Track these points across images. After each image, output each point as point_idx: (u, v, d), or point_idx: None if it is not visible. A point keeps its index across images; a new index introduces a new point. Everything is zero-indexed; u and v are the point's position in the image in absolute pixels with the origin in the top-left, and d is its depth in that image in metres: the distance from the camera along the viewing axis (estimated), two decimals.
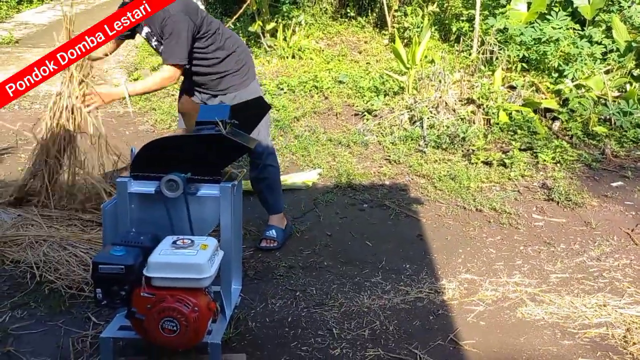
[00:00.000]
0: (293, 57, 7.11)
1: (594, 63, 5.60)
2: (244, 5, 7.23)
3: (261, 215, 3.52)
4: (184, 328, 1.93)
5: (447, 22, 7.53)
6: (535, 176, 4.14)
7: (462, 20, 7.25)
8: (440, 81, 5.18)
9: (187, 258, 1.95)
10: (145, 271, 1.95)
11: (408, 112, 5.13)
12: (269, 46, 7.29)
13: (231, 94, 3.00)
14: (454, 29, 7.18)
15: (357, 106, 5.57)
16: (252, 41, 7.55)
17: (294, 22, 7.51)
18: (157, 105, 5.81)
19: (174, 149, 2.19)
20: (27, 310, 2.55)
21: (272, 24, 7.36)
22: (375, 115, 5.24)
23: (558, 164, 4.27)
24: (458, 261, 3.08)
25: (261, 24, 7.30)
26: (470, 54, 6.38)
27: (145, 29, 2.96)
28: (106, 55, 3.25)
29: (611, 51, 5.83)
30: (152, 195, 2.15)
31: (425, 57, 6.13)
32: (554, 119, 5.16)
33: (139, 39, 3.25)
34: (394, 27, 7.78)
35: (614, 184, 4.04)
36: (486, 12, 6.73)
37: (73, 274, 2.72)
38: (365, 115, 5.30)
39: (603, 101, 5.19)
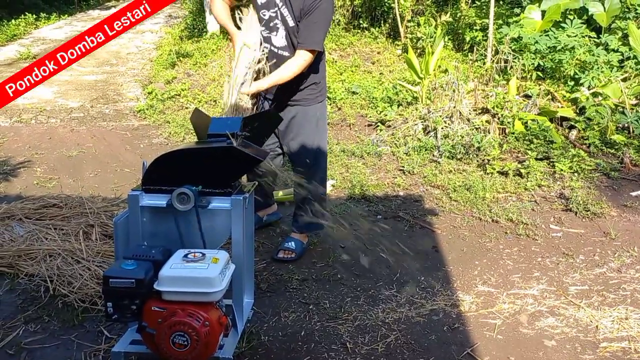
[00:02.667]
0: None
1: (611, 71, 5.53)
2: None
3: (274, 227, 3.51)
4: (194, 342, 1.91)
5: (460, 31, 7.50)
6: (552, 186, 4.07)
7: (476, 30, 7.22)
8: (454, 91, 5.14)
9: (198, 272, 1.93)
10: (156, 285, 1.93)
11: (422, 122, 5.09)
12: None
13: (306, 107, 2.91)
14: (467, 39, 7.15)
15: (370, 117, 5.55)
16: None
17: None
18: (172, 118, 5.84)
19: (185, 161, 2.18)
20: (41, 324, 2.54)
21: None
22: (389, 126, 5.21)
23: (575, 174, 4.20)
24: (474, 273, 3.03)
25: None
26: (484, 64, 6.34)
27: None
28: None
29: (628, 58, 5.76)
30: (164, 208, 2.14)
31: (439, 67, 6.09)
32: (571, 127, 5.10)
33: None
34: (407, 37, 7.77)
35: (634, 194, 3.96)
36: (500, 22, 6.70)
37: (86, 288, 2.71)
38: (378, 125, 5.27)
39: (621, 109, 5.11)
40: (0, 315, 2.60)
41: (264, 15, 2.79)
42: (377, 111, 5.58)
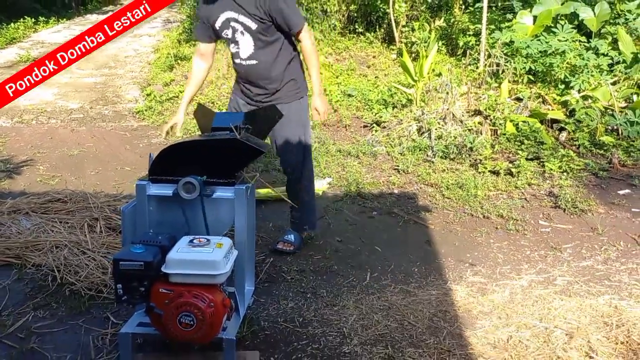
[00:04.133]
0: None
1: (601, 74, 5.69)
2: None
3: (272, 222, 3.62)
4: (200, 322, 2.01)
5: (454, 36, 7.65)
6: (542, 184, 4.20)
7: (469, 35, 7.37)
8: (447, 93, 5.28)
9: (203, 255, 2.04)
10: (163, 268, 2.04)
11: (416, 123, 5.22)
12: None
13: (286, 104, 2.95)
14: (460, 44, 7.30)
15: (365, 118, 5.68)
16: None
17: None
18: (170, 119, 5.93)
19: (190, 153, 2.29)
20: (49, 310, 2.64)
21: None
22: (384, 127, 5.34)
23: (565, 173, 4.33)
24: (465, 265, 3.14)
25: None
26: (477, 67, 6.48)
27: (227, 14, 2.83)
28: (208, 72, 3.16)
29: (617, 63, 5.91)
30: (170, 197, 2.25)
31: (433, 70, 6.24)
32: (561, 129, 5.24)
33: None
34: (401, 42, 7.91)
35: (621, 192, 4.09)
36: (492, 27, 6.85)
37: (92, 277, 2.81)
38: (374, 127, 5.40)
39: (610, 112, 5.26)
40: (9, 302, 2.69)
41: (227, 35, 2.91)
42: (372, 113, 5.71)
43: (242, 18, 2.83)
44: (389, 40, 8.37)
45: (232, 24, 2.86)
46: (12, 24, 10.81)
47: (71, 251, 2.99)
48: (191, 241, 2.11)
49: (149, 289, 2.06)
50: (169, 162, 2.28)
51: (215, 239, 2.15)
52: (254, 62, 2.92)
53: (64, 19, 12.67)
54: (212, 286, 2.08)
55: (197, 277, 2.03)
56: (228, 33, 2.90)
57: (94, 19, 13.04)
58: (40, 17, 11.76)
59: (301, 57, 3.05)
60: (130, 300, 2.08)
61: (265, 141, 2.59)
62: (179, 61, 8.10)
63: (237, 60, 2.98)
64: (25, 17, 11.15)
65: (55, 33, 11.27)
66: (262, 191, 3.83)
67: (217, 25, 2.90)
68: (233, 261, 2.15)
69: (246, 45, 2.90)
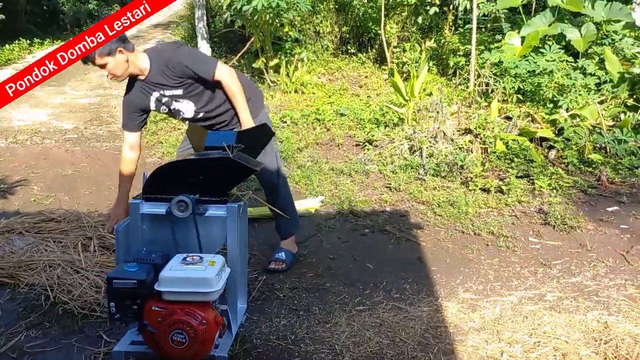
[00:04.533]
0: (296, 91, 7.33)
1: (588, 93, 5.79)
2: (248, 44, 7.49)
3: (265, 240, 3.65)
4: (192, 340, 2.03)
5: (444, 57, 7.77)
6: (531, 202, 4.26)
7: (459, 55, 7.49)
8: (437, 112, 5.35)
9: (196, 273, 2.06)
10: (156, 286, 2.06)
11: (408, 142, 5.28)
12: (272, 81, 7.52)
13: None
14: (451, 64, 7.41)
15: (358, 137, 5.74)
16: (256, 77, 7.80)
17: (297, 59, 7.76)
18: (164, 139, 5.99)
19: (183, 171, 2.33)
20: (42, 329, 2.65)
21: (275, 61, 7.61)
22: (376, 146, 5.40)
23: (554, 190, 4.39)
24: (457, 282, 3.17)
25: (264, 60, 7.55)
26: (467, 87, 6.58)
27: (153, 97, 2.97)
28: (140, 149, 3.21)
29: (605, 82, 6.02)
30: (163, 215, 2.28)
31: (424, 90, 6.33)
32: (550, 147, 5.31)
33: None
34: (393, 62, 8.02)
35: (610, 209, 4.15)
36: (482, 47, 6.97)
37: (85, 296, 2.83)
38: (366, 145, 5.46)
39: (598, 130, 5.34)
40: (2, 322, 2.70)
41: (165, 110, 3.04)
42: (364, 132, 5.77)
43: (167, 92, 2.96)
44: (380, 60, 8.48)
45: (164, 100, 2.98)
46: (7, 46, 10.87)
47: (64, 270, 3.00)
48: (184, 259, 2.14)
49: (142, 307, 2.08)
50: (163, 181, 2.31)
51: (208, 256, 2.18)
52: (201, 114, 3.05)
53: (59, 40, 12.73)
54: (205, 304, 2.10)
55: (189, 294, 2.06)
56: (164, 109, 3.03)
57: None
58: (35, 39, 11.83)
59: (243, 86, 3.12)
60: (123, 319, 2.10)
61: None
62: None
63: (188, 122, 3.12)
64: (21, 38, 11.22)
65: None
66: (256, 210, 3.87)
67: (152, 107, 3.03)
68: (225, 279, 2.18)
69: (186, 108, 3.03)
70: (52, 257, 3.12)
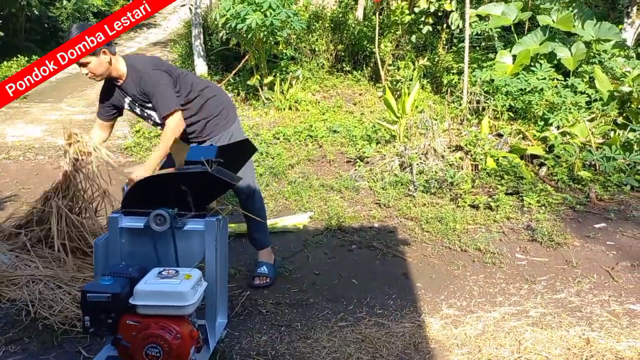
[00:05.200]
0: (290, 108, 7.38)
1: (579, 111, 5.82)
2: (243, 61, 7.56)
3: (251, 255, 3.64)
4: (166, 354, 2.03)
5: (438, 75, 7.83)
6: (520, 218, 4.26)
7: (453, 73, 7.55)
8: (427, 129, 5.38)
9: (170, 287, 2.06)
10: (131, 300, 2.06)
11: (398, 158, 5.30)
12: (267, 98, 7.57)
13: (216, 136, 3.15)
14: (445, 81, 7.47)
15: (349, 154, 5.76)
16: (251, 94, 7.85)
17: (291, 76, 7.83)
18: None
19: (162, 186, 2.34)
20: (21, 345, 2.64)
21: (270, 78, 7.67)
22: (367, 162, 5.42)
23: (543, 207, 4.40)
24: (441, 298, 3.16)
25: (259, 77, 7.60)
26: (460, 104, 6.62)
27: (127, 100, 3.06)
28: (104, 142, 3.29)
29: (595, 100, 6.06)
30: (142, 229, 2.29)
31: (416, 107, 6.37)
32: (541, 164, 5.33)
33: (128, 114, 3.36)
34: (387, 80, 8.08)
35: (597, 226, 4.15)
36: (475, 65, 7.03)
37: (66, 311, 2.82)
38: (357, 162, 5.48)
39: (588, 148, 5.36)
40: None
41: (138, 112, 3.13)
42: (356, 148, 5.80)
43: (137, 99, 3.04)
44: (375, 78, 8.55)
45: (136, 104, 3.07)
46: (5, 62, 10.96)
47: (47, 285, 3.00)
48: (160, 273, 2.14)
49: (117, 321, 2.08)
50: (142, 195, 2.32)
51: (185, 270, 2.18)
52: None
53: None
54: (180, 318, 2.10)
55: (164, 308, 2.06)
56: (137, 111, 3.12)
57: None
58: (33, 56, 11.92)
59: (216, 97, 3.18)
60: (98, 332, 2.09)
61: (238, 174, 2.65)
62: None
63: (160, 127, 3.15)
64: (19, 55, 11.31)
65: None
66: (242, 227, 3.87)
67: (126, 107, 3.14)
68: (202, 293, 2.18)
69: (154, 116, 3.09)
70: (35, 272, 3.12)
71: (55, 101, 8.64)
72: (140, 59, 3.05)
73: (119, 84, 3.01)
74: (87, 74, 2.92)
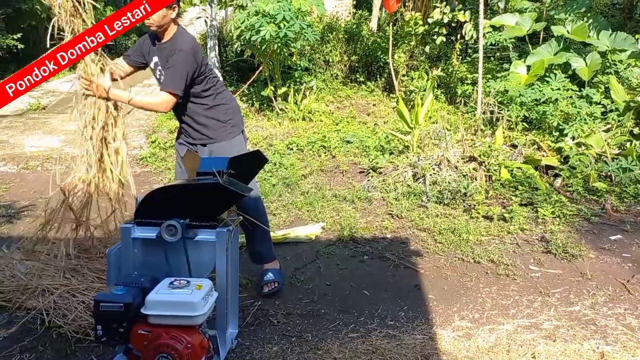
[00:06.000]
0: (303, 119, 7.41)
1: (594, 122, 5.77)
2: (257, 72, 7.62)
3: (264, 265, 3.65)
4: None
5: (452, 85, 7.82)
6: (534, 230, 4.22)
7: (467, 84, 7.54)
8: (440, 139, 5.37)
9: (181, 297, 2.08)
10: (142, 309, 2.08)
11: (411, 169, 5.29)
12: (281, 109, 7.62)
13: (216, 144, 3.17)
14: (459, 92, 7.46)
15: (362, 164, 5.77)
16: (265, 105, 7.91)
17: (305, 87, 7.87)
18: (172, 165, 6.06)
19: (174, 196, 2.37)
20: (35, 353, 2.67)
21: (284, 89, 7.72)
22: (380, 173, 5.42)
23: (557, 218, 4.36)
24: (453, 309, 3.15)
25: (273, 88, 7.66)
26: (474, 115, 6.60)
27: (154, 59, 3.16)
28: (121, 77, 3.25)
29: (610, 111, 6.00)
30: (154, 239, 2.31)
31: (430, 117, 6.36)
32: (556, 175, 5.29)
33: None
34: (400, 90, 8.09)
35: (613, 237, 4.10)
36: (489, 76, 7.01)
37: (80, 320, 2.85)
38: (370, 172, 5.48)
39: (603, 158, 5.31)
40: None
41: (156, 75, 3.22)
42: (369, 159, 5.80)
43: (162, 64, 3.12)
44: (389, 89, 8.56)
45: (157, 68, 3.17)
46: None
47: (61, 295, 3.03)
48: (171, 283, 2.16)
49: (129, 330, 2.10)
50: (154, 206, 2.35)
51: (196, 280, 2.20)
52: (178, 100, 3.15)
53: (74, 69, 13.09)
54: (191, 328, 2.11)
55: (175, 318, 2.08)
56: (157, 74, 3.21)
57: None
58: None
59: (228, 106, 3.25)
60: (110, 342, 2.12)
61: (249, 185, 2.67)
62: None
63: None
64: None
65: (66, 82, 11.60)
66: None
67: (151, 65, 3.23)
68: (213, 303, 2.19)
69: None
70: (51, 281, 3.16)
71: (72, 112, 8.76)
72: (187, 37, 3.12)
73: (160, 42, 3.12)
74: (148, 20, 2.96)
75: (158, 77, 3.20)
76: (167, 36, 3.11)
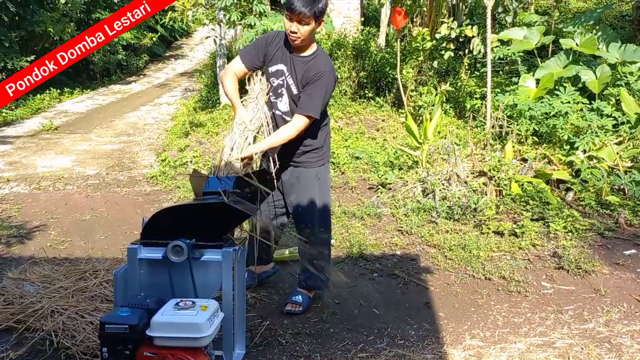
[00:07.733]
0: None
1: (605, 135, 5.72)
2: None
3: (274, 284, 3.64)
4: None
5: (461, 99, 7.81)
6: (546, 245, 4.17)
7: (476, 98, 7.52)
8: (449, 154, 5.35)
9: (187, 318, 2.07)
10: (148, 331, 2.07)
11: (421, 184, 5.27)
12: None
13: (315, 169, 3.14)
14: (468, 106, 7.44)
15: (372, 180, 5.75)
16: None
17: None
18: (182, 184, 6.09)
19: (180, 216, 2.37)
20: None
21: None
22: (390, 189, 5.40)
23: (570, 233, 4.30)
24: (464, 328, 3.10)
25: None
26: (484, 129, 6.57)
27: (280, 66, 3.00)
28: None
29: (622, 123, 5.95)
30: (160, 260, 2.31)
31: (439, 132, 6.35)
32: (568, 189, 5.23)
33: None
34: (409, 105, 8.08)
35: (627, 252, 4.03)
36: (498, 90, 6.99)
37: (88, 341, 2.84)
38: (379, 188, 5.46)
39: (616, 172, 5.25)
40: None
41: (273, 82, 3.07)
42: (378, 175, 5.79)
43: (289, 79, 3.01)
44: (398, 104, 8.56)
45: (281, 77, 3.02)
46: (38, 95, 11.33)
47: (70, 316, 3.03)
48: (177, 304, 2.15)
49: (134, 352, 2.08)
50: (161, 226, 2.35)
51: (201, 301, 2.18)
52: (288, 118, 3.06)
53: (88, 90, 13.22)
54: (196, 349, 2.10)
55: (180, 340, 2.06)
56: (275, 82, 3.05)
57: (117, 88, 13.57)
58: (65, 88, 12.30)
59: (329, 131, 3.21)
60: None
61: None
62: (194, 128, 8.36)
63: (274, 110, 3.12)
64: (51, 88, 11.68)
65: (78, 103, 11.76)
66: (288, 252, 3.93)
67: (271, 70, 3.05)
68: (219, 324, 2.18)
69: (284, 102, 3.08)
70: (60, 302, 3.16)
71: (85, 132, 8.87)
72: (327, 56, 3.03)
73: (297, 54, 2.98)
74: (294, 32, 2.87)
75: (275, 86, 3.03)
76: (308, 51, 2.99)
